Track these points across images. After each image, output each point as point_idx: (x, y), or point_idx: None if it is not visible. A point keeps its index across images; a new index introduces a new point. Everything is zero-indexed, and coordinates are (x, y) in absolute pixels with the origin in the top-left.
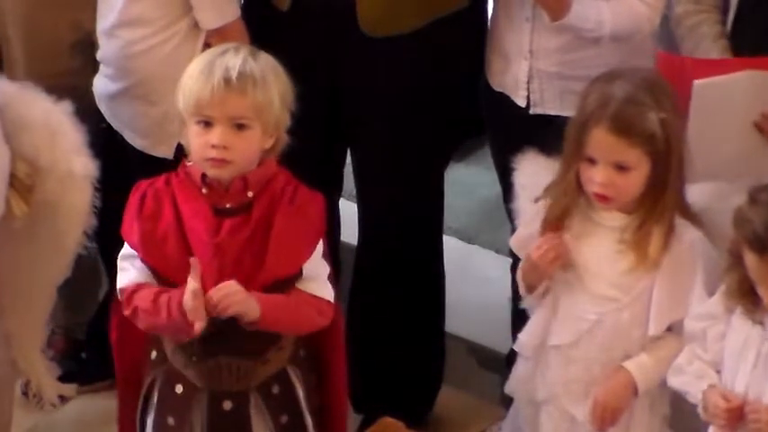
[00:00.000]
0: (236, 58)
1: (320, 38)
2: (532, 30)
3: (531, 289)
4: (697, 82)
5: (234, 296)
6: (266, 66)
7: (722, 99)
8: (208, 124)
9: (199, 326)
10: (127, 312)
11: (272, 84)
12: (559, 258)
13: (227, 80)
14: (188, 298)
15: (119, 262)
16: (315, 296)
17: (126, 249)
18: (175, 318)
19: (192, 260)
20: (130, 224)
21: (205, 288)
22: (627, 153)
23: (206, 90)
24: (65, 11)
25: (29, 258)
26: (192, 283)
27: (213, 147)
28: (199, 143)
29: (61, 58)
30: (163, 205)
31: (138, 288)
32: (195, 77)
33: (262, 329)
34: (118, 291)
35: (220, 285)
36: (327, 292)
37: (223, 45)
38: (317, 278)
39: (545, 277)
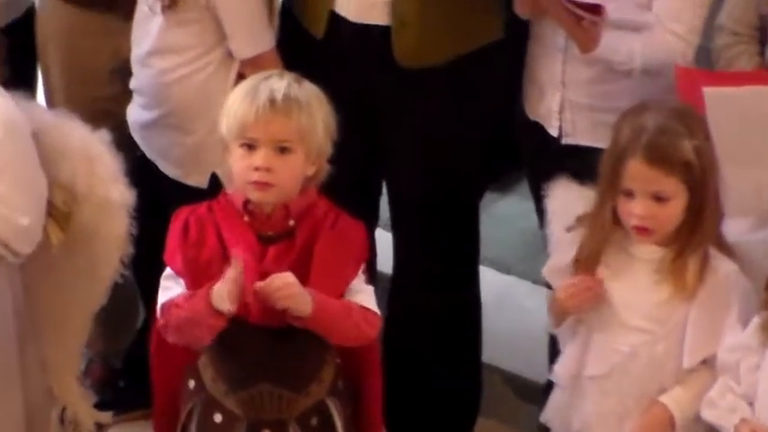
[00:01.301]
0: (280, 83)
1: (355, 67)
2: (564, 60)
3: (558, 321)
4: (707, 89)
5: (287, 289)
6: (311, 92)
7: (739, 113)
8: (251, 147)
9: (230, 307)
10: (161, 323)
11: (317, 110)
12: (596, 299)
13: (272, 101)
14: (229, 279)
15: (162, 281)
16: (362, 306)
17: (170, 270)
18: (199, 306)
19: (234, 251)
20: (174, 251)
21: (250, 314)
22: (664, 183)
23: (251, 112)
24: (107, 38)
25: (65, 286)
26: (237, 266)
27: (256, 169)
28: (242, 166)
29: (101, 85)
30: (207, 232)
31: (177, 298)
32: (240, 101)
33: (310, 329)
34: (158, 307)
35: (275, 275)
36: (374, 304)
37: (266, 71)
38: (364, 291)
39: (573, 314)
